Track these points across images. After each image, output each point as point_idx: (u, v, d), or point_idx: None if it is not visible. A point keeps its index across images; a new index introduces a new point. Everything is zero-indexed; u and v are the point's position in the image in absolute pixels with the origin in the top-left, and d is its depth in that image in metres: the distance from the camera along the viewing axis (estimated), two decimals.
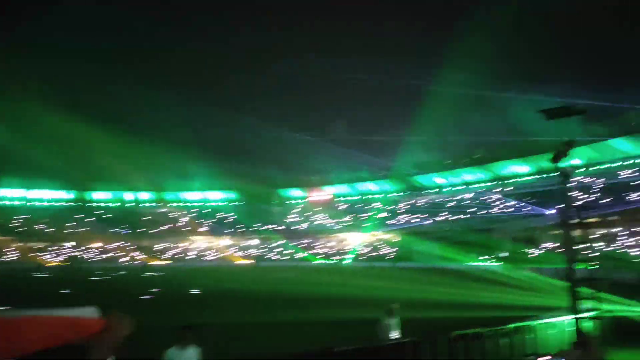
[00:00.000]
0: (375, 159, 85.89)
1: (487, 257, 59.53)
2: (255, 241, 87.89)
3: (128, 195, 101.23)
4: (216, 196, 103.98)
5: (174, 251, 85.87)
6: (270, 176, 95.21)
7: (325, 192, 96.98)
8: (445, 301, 23.93)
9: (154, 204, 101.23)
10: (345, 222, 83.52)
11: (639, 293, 18.29)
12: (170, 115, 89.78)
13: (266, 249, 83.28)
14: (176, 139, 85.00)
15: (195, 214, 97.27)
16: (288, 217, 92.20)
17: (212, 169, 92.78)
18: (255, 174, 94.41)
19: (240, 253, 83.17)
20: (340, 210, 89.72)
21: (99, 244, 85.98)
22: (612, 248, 44.50)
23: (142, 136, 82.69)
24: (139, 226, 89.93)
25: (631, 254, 39.93)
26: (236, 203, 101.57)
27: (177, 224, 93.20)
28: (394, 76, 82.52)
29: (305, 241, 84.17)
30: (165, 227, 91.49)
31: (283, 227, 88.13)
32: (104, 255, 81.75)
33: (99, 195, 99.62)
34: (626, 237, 47.34)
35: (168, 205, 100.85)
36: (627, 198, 50.25)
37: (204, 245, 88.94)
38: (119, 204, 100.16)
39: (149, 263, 74.14)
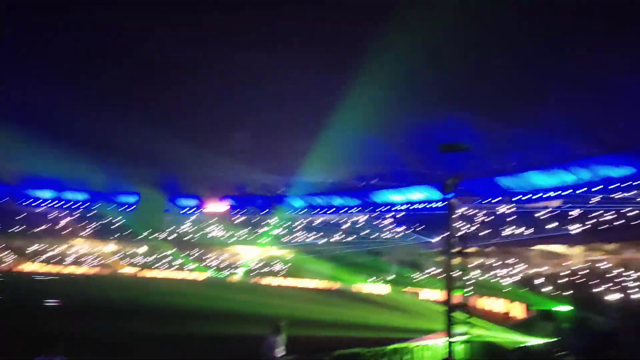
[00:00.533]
0: (275, 174, 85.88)
1: (374, 279, 61.67)
2: (143, 249, 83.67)
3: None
4: (104, 198, 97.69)
5: (49, 254, 79.06)
6: (165, 183, 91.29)
7: (223, 204, 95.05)
8: (330, 320, 24.32)
9: (31, 201, 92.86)
10: (240, 235, 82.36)
11: (506, 321, 19.85)
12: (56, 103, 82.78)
13: (154, 259, 79.51)
14: (61, 129, 78.45)
15: (77, 216, 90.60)
16: (181, 226, 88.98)
17: (100, 169, 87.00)
18: (148, 179, 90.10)
19: (126, 261, 78.63)
20: (236, 223, 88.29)
21: None
22: (487, 277, 48.08)
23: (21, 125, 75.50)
24: (12, 225, 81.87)
25: (503, 283, 43.38)
26: (126, 208, 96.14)
27: (57, 225, 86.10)
28: (297, 93, 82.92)
29: (197, 252, 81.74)
30: (42, 227, 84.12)
31: (174, 236, 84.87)
32: None
33: None
34: (499, 268, 51.47)
35: (47, 203, 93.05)
36: (501, 232, 54.77)
37: (84, 250, 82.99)
38: None
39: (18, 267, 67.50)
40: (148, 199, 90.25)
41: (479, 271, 51.32)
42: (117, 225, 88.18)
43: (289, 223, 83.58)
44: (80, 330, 15.04)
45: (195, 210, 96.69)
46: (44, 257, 77.33)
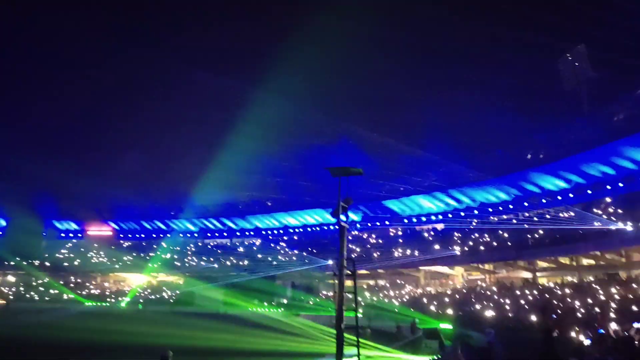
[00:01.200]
0: (164, 198, 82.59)
1: (268, 303, 60.92)
2: (12, 278, 75.49)
3: None
4: None
5: None
6: (40, 205, 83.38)
7: (106, 228, 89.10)
8: (220, 348, 23.43)
9: None
10: (127, 261, 77.50)
11: (395, 340, 20.43)
12: None
13: (25, 287, 71.88)
14: None
15: None
16: (58, 252, 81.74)
17: None
18: (21, 200, 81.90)
19: None
20: (121, 249, 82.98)
21: None
22: (377, 299, 49.52)
23: None
24: None
25: (393, 303, 44.88)
26: None
27: None
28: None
29: (76, 280, 75.43)
30: None
31: (49, 263, 77.65)
32: None
33: None
34: (389, 289, 53.35)
35: None
36: (391, 254, 57.00)
37: None
38: None
39: None
40: (20, 222, 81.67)
41: (370, 293, 52.85)
42: None
43: (179, 248, 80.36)
44: None
45: (75, 235, 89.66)
46: None
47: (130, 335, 27.96)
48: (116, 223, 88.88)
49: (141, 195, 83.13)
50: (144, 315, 53.08)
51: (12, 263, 75.25)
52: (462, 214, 61.23)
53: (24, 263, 75.74)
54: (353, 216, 62.38)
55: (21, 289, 71.10)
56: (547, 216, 46.45)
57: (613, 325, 15.96)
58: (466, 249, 48.10)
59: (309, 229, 77.63)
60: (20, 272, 75.64)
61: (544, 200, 50.04)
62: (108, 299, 67.99)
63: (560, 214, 44.70)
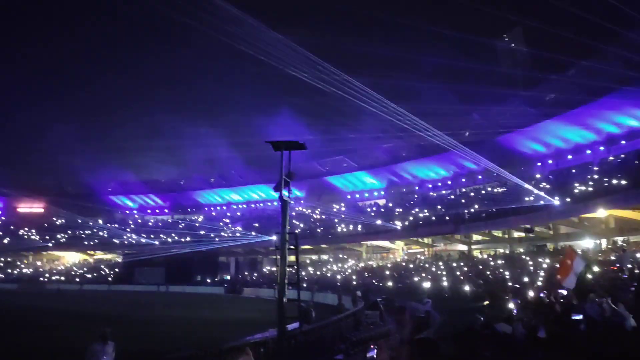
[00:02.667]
0: (101, 172, 79.29)
1: (211, 279, 60.66)
2: None
3: None
4: None
5: None
6: None
7: (39, 203, 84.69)
8: (168, 321, 23.21)
9: None
10: (61, 239, 74.48)
11: (337, 313, 20.89)
12: None
13: None
14: None
15: None
16: None
17: None
18: None
19: None
20: (56, 225, 79.47)
21: None
22: (320, 273, 50.30)
23: None
24: None
25: (336, 277, 45.71)
26: None
27: None
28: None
29: (6, 259, 71.80)
30: None
31: None
32: None
33: None
34: (332, 263, 54.22)
35: None
36: (334, 229, 57.84)
37: None
38: None
39: None
40: None
41: (313, 268, 53.58)
42: None
43: (117, 225, 77.93)
44: None
45: (4, 212, 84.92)
46: None
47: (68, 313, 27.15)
48: (50, 200, 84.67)
49: (79, 169, 79.51)
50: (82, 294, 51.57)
51: None
52: (403, 189, 62.85)
53: None
54: (297, 192, 62.56)
55: None
56: (483, 192, 48.54)
57: (541, 294, 17.05)
58: (406, 223, 49.52)
59: (252, 205, 77.27)
60: None
61: (479, 177, 52.10)
62: (41, 278, 65.32)
63: (495, 190, 46.80)
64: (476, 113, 47.47)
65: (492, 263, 35.02)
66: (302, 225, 59.71)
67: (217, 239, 66.15)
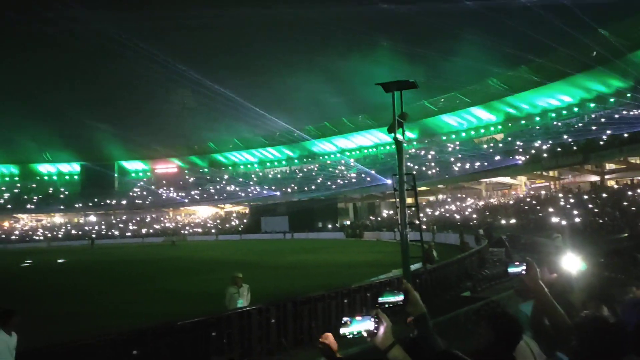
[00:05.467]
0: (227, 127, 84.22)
1: (332, 225, 62.77)
2: (93, 218, 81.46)
3: None
4: (47, 169, 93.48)
5: None
6: (111, 148, 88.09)
7: (173, 164, 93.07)
8: (293, 265, 24.73)
9: None
10: (194, 195, 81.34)
11: (460, 252, 20.73)
12: None
13: (105, 226, 77.62)
14: None
15: (18, 189, 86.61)
16: (131, 191, 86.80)
17: (41, 138, 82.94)
18: (93, 145, 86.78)
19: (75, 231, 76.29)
20: (188, 183, 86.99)
21: None
22: (439, 213, 49.78)
23: None
24: None
25: (455, 217, 45.01)
26: (70, 177, 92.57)
27: None
28: None
29: (151, 216, 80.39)
30: None
31: (125, 201, 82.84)
32: None
33: None
34: (450, 203, 53.29)
35: None
36: (451, 168, 56.39)
37: (30, 224, 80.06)
38: None
39: None
40: (93, 165, 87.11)
41: (432, 208, 53.12)
42: (62, 196, 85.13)
43: (241, 179, 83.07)
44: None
45: (144, 174, 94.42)
46: None
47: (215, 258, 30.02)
48: (181, 160, 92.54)
49: (199, 130, 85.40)
50: (215, 244, 56.32)
51: (90, 204, 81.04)
52: (522, 121, 59.03)
53: (102, 204, 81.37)
54: (409, 134, 61.56)
55: (103, 227, 76.80)
56: (616, 116, 43.90)
57: None
58: (528, 157, 46.74)
59: (365, 151, 77.71)
60: (100, 212, 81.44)
61: (611, 99, 47.18)
62: (183, 231, 72.38)
63: (631, 112, 42.12)
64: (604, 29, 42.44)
65: (629, 193, 32.10)
66: (416, 167, 59.07)
67: (334, 186, 68.01)
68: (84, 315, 13.61)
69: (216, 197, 78.83)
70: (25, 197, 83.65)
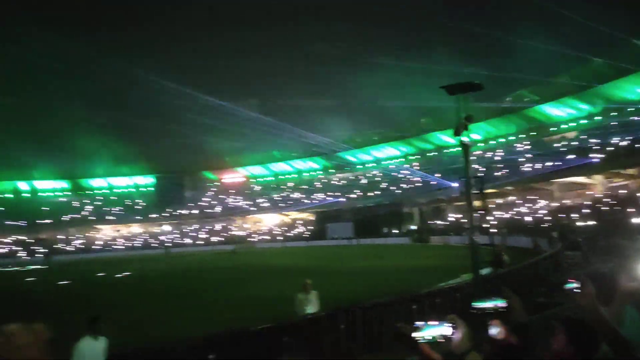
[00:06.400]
0: (288, 138, 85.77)
1: (397, 230, 62.19)
2: (167, 227, 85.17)
3: (22, 185, 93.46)
4: (123, 182, 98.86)
5: (77, 242, 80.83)
6: (181, 160, 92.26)
7: (239, 174, 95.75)
8: (359, 271, 24.76)
9: (52, 194, 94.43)
10: (260, 203, 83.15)
11: (534, 256, 19.98)
12: (63, 96, 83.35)
13: (179, 235, 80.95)
14: (72, 121, 79.43)
15: (100, 202, 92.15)
16: (201, 200, 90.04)
17: (117, 154, 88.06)
18: (164, 158, 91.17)
19: (152, 240, 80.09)
20: (254, 192, 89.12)
21: None
22: (508, 216, 48.11)
23: (32, 118, 76.59)
24: (38, 217, 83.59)
25: (525, 219, 43.38)
26: (146, 189, 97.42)
27: (81, 213, 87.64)
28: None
29: (220, 224, 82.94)
30: (68, 217, 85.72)
31: (196, 211, 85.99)
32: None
33: None
34: (520, 205, 51.34)
35: (69, 193, 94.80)
36: (520, 169, 54.33)
37: (111, 234, 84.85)
38: (12, 195, 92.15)
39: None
40: (166, 177, 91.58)
41: (501, 211, 51.40)
42: (138, 207, 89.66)
43: (306, 186, 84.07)
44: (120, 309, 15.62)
45: (214, 183, 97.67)
46: (72, 245, 79.03)
47: (275, 268, 30.66)
48: (247, 168, 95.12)
49: (264, 141, 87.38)
50: (283, 250, 57.26)
51: (164, 214, 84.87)
52: (596, 117, 55.97)
53: (175, 213, 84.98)
54: (475, 135, 59.99)
55: (176, 235, 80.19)
56: None
57: None
58: (604, 155, 44.21)
59: (428, 154, 76.45)
60: (173, 221, 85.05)
61: None
62: (249, 239, 74.23)
63: None
64: None
65: None
66: (483, 168, 57.45)
67: (398, 191, 67.42)
68: (161, 321, 14.34)
69: (281, 204, 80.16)
70: (106, 209, 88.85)
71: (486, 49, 60.66)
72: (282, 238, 71.14)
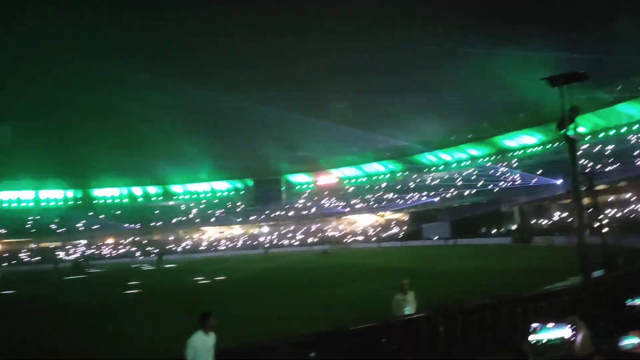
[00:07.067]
0: (380, 138, 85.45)
1: (496, 230, 59.59)
2: (265, 229, 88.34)
3: (136, 191, 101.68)
4: (224, 186, 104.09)
5: (185, 243, 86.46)
6: (277, 163, 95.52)
7: (332, 176, 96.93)
8: (460, 272, 24.08)
9: (161, 198, 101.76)
10: (354, 204, 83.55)
11: None
12: (165, 104, 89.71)
13: (276, 236, 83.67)
14: (176, 130, 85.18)
15: (204, 205, 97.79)
16: (297, 202, 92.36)
17: (216, 159, 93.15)
18: (260, 162, 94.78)
19: (251, 241, 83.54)
20: (348, 193, 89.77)
21: (111, 241, 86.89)
22: (622, 214, 44.30)
23: (139, 130, 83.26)
24: (150, 220, 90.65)
25: None
26: (244, 192, 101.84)
27: (188, 216, 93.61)
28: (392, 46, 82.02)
29: (315, 225, 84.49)
30: (175, 220, 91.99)
31: (292, 212, 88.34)
32: (119, 251, 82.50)
33: (105, 192, 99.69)
34: (635, 202, 47.01)
35: (176, 198, 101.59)
36: (636, 163, 49.77)
37: (215, 236, 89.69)
38: (127, 200, 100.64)
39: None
40: (264, 180, 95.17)
41: (612, 209, 47.43)
42: (238, 210, 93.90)
43: (399, 186, 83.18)
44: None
45: (308, 185, 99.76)
46: (180, 246, 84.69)
47: (373, 269, 30.69)
48: (340, 170, 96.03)
49: (356, 142, 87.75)
50: (378, 251, 57.13)
51: (262, 216, 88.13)
52: None
53: (272, 215, 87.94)
54: (581, 128, 55.87)
55: (274, 237, 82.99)
56: None
57: None
58: None
59: (529, 150, 72.45)
60: (271, 223, 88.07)
61: None
62: (344, 240, 74.89)
63: None
64: None
65: None
66: (591, 163, 53.38)
67: (495, 190, 64.58)
68: (262, 318, 14.97)
69: (375, 205, 79.95)
70: (210, 211, 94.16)
71: (593, 33, 56.16)
72: (376, 239, 70.99)
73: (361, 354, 8.47)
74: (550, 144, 67.44)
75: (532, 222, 57.85)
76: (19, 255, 77.78)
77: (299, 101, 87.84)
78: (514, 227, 59.26)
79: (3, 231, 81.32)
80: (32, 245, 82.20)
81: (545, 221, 55.24)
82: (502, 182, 65.82)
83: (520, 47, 61.26)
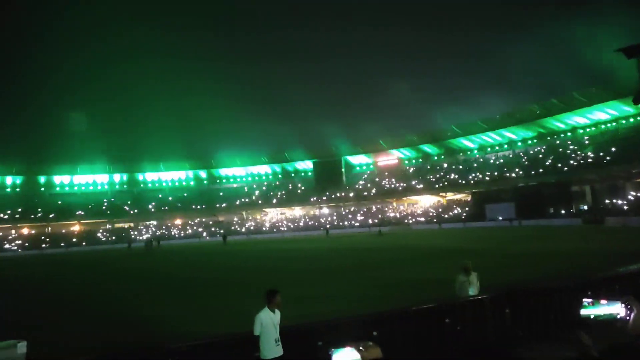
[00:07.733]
0: (438, 119, 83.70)
1: (565, 211, 57.25)
2: (326, 210, 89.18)
3: (202, 174, 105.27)
4: (285, 168, 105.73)
5: (248, 224, 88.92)
6: (337, 144, 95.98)
7: (392, 156, 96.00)
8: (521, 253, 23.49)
9: (224, 180, 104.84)
10: (414, 185, 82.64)
11: None
12: (224, 87, 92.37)
13: (337, 217, 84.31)
14: (233, 112, 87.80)
15: (264, 187, 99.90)
16: (357, 184, 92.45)
17: (275, 140, 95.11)
18: (321, 143, 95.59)
19: (313, 222, 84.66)
20: (407, 174, 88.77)
21: (179, 222, 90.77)
22: None
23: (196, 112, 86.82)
24: (215, 202, 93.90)
25: None
26: (304, 174, 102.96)
27: (251, 198, 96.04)
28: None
29: (375, 206, 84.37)
30: (239, 201, 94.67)
31: (352, 194, 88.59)
32: (187, 232, 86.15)
33: (172, 176, 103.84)
34: None
35: (239, 180, 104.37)
36: None
37: (276, 217, 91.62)
38: (192, 182, 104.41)
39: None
40: (324, 161, 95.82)
41: None
42: (299, 191, 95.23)
43: (461, 166, 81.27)
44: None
45: (368, 166, 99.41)
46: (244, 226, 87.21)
47: (434, 249, 30.46)
48: (401, 150, 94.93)
49: (415, 120, 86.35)
50: (439, 232, 56.39)
51: (323, 198, 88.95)
52: None
53: (333, 197, 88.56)
54: None
55: (334, 218, 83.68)
56: None
57: None
58: None
59: (602, 126, 68.50)
60: (332, 204, 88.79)
61: None
62: (405, 221, 74.41)
63: None
64: None
65: None
66: None
67: (565, 168, 61.74)
68: (330, 296, 15.36)
69: (437, 185, 78.65)
70: (271, 193, 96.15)
71: None
72: (437, 220, 70.01)
73: (424, 334, 8.61)
74: (624, 120, 63.63)
75: (605, 202, 55.07)
76: (97, 235, 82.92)
77: (361, 84, 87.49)
78: (585, 207, 56.67)
79: (81, 213, 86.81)
80: (108, 226, 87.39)
81: (620, 201, 52.45)
82: (572, 161, 62.85)
83: (593, 13, 57.72)
